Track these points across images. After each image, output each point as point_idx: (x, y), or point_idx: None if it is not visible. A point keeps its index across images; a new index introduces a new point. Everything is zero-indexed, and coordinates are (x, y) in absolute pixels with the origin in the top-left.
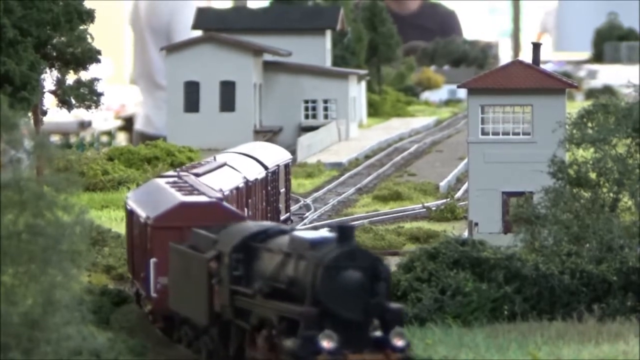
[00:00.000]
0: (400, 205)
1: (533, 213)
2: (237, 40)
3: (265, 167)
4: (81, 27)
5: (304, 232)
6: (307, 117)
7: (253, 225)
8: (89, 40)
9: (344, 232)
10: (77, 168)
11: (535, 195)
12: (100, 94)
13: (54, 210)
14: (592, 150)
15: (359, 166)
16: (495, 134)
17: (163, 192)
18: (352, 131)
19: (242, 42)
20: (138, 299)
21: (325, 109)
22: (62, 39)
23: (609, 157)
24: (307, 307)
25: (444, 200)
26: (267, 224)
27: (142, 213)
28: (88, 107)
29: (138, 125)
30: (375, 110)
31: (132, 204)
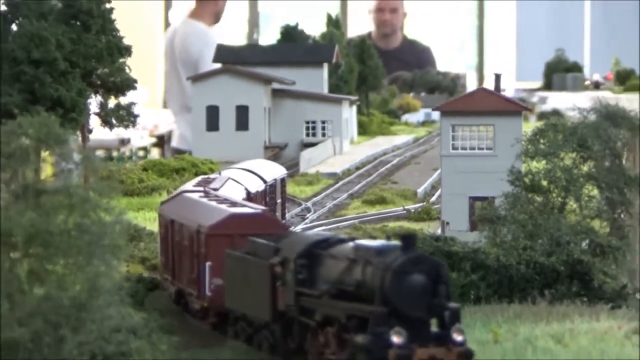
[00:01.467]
0: (385, 208)
1: (495, 214)
2: (250, 72)
3: (264, 181)
4: (120, 60)
5: (365, 241)
6: (307, 135)
7: (313, 235)
8: (127, 71)
9: (408, 240)
10: (117, 177)
11: (496, 199)
12: (137, 116)
13: (97, 211)
14: (543, 162)
15: (351, 175)
16: (464, 148)
17: (209, 205)
18: (345, 147)
19: (254, 73)
20: (178, 297)
21: (323, 128)
22: (105, 70)
23: (557, 168)
24: (377, 307)
25: (421, 204)
26: (326, 234)
27: (191, 223)
28: (126, 127)
29: (174, 143)
30: (364, 129)
31: (171, 215)
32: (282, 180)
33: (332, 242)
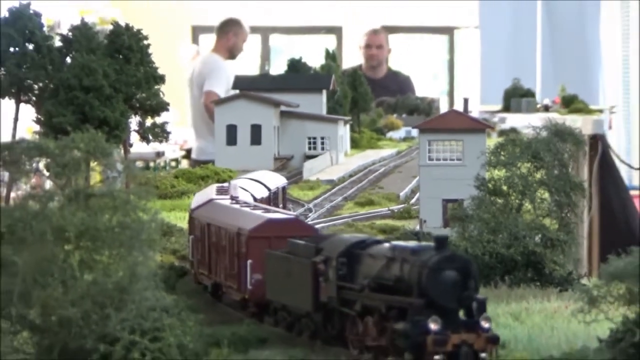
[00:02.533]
0: (373, 209)
1: (463, 213)
2: (262, 97)
3: (269, 189)
4: (156, 87)
5: (401, 242)
6: (309, 148)
7: (351, 237)
8: (161, 95)
9: (440, 241)
10: (153, 183)
11: (465, 201)
12: (169, 133)
13: (136, 211)
14: (504, 170)
15: (345, 182)
16: (438, 159)
17: (244, 211)
18: (340, 158)
19: (266, 97)
20: (215, 289)
21: (322, 143)
22: (143, 95)
23: (515, 176)
24: (415, 299)
25: (403, 205)
26: (362, 236)
27: (231, 227)
28: (160, 142)
29: (193, 155)
30: (355, 144)
31: (207, 220)
32: (283, 188)
33: (369, 242)
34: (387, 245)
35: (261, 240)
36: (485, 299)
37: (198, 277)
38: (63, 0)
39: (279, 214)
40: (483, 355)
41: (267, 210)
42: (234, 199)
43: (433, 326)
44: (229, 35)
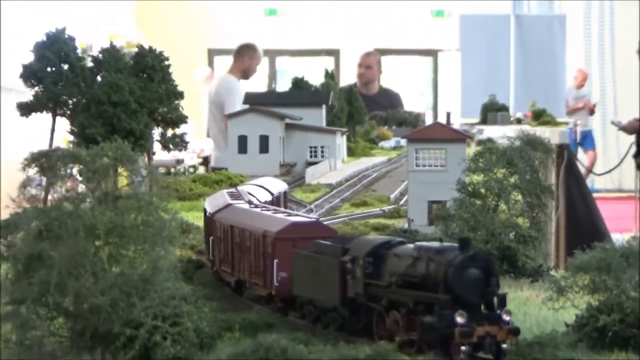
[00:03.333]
0: (367, 209)
1: (446, 213)
2: (269, 111)
3: (272, 194)
4: (175, 102)
5: (425, 243)
6: (311, 156)
7: (375, 238)
8: (180, 109)
9: (464, 242)
10: (173, 187)
11: (447, 202)
12: (187, 142)
13: (158, 211)
14: (482, 175)
15: (342, 185)
16: (424, 166)
17: (267, 215)
18: (338, 165)
19: (272, 111)
20: (237, 285)
21: (322, 151)
22: (164, 109)
23: (492, 180)
24: (441, 294)
25: (393, 206)
26: (386, 237)
27: (256, 229)
28: (180, 150)
29: (212, 163)
30: (351, 152)
31: (230, 222)
32: (285, 193)
33: (393, 243)
34: (411, 245)
35: (286, 242)
36: (505, 294)
37: (221, 274)
38: (94, 25)
39: (300, 217)
40: (504, 345)
41: (289, 214)
42: (251, 203)
43: (459, 319)
44: (244, 59)
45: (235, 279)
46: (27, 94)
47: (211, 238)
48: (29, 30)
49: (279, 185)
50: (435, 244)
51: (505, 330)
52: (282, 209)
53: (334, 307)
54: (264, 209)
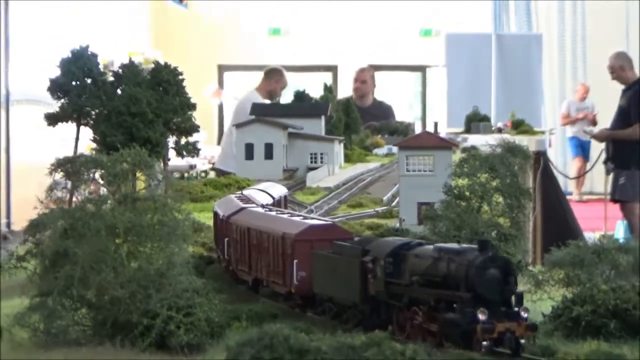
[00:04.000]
0: (362, 210)
1: (434, 214)
2: (274, 121)
3: (273, 197)
4: (189, 113)
5: (443, 244)
6: (311, 162)
7: (396, 240)
8: (193, 120)
9: (483, 244)
10: (186, 189)
11: (435, 204)
12: (199, 150)
13: (173, 212)
14: (466, 180)
15: (340, 189)
16: (414, 170)
17: (284, 218)
18: (336, 170)
19: (276, 121)
20: (254, 283)
21: (321, 158)
22: (178, 119)
23: (475, 184)
24: (463, 293)
25: (386, 207)
26: (406, 239)
27: (275, 232)
28: (192, 157)
29: (217, 165)
30: (348, 158)
31: (247, 225)
32: (285, 197)
33: (412, 245)
34: (431, 247)
35: (305, 243)
36: (522, 293)
37: (237, 273)
38: (115, 43)
39: (317, 220)
40: (522, 341)
41: (305, 217)
42: (265, 207)
43: (481, 316)
44: (272, 81)
45: (252, 277)
46: (54, 106)
47: (226, 239)
48: (55, 48)
49: (279, 190)
50: (455, 245)
51: (524, 326)
52: (297, 213)
53: (354, 304)
54: (278, 212)
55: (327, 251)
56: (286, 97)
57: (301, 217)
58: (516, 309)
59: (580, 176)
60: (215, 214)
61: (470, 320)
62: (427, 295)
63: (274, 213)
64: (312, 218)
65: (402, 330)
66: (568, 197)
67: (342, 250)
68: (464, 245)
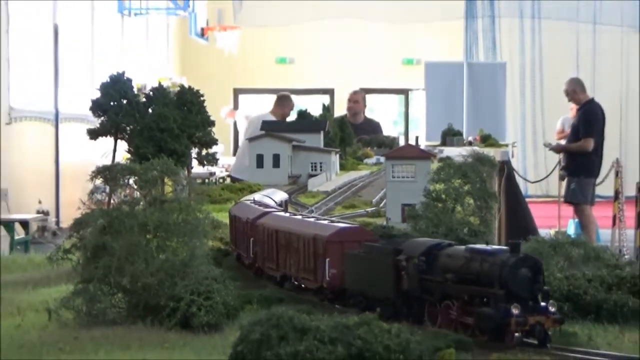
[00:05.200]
0: (354, 210)
1: (416, 213)
2: (280, 135)
3: (275, 202)
4: (209, 129)
5: (474, 245)
6: (312, 170)
7: (427, 240)
8: (212, 134)
9: (514, 246)
10: (207, 193)
11: (416, 205)
12: (218, 159)
13: (195, 212)
14: (442, 185)
15: (336, 192)
16: (398, 177)
17: (316, 222)
18: (332, 177)
19: (283, 136)
20: (282, 279)
21: (321, 166)
22: (200, 134)
23: (450, 188)
24: (497, 290)
25: (375, 208)
26: (437, 240)
27: (306, 234)
28: (212, 166)
29: (232, 173)
30: (342, 167)
31: (275, 227)
32: (286, 201)
33: (443, 245)
34: (462, 247)
35: (336, 244)
36: (548, 290)
37: (264, 269)
38: (146, 69)
39: (343, 224)
40: (550, 333)
41: (332, 221)
42: (289, 212)
43: (515, 311)
44: (283, 106)
45: (280, 273)
46: (95, 123)
47: (252, 239)
48: (97, 74)
49: (281, 195)
50: (486, 247)
51: (552, 319)
52: (322, 217)
53: (387, 298)
54: (304, 216)
55: (359, 251)
56: (291, 116)
57: (328, 221)
58: (543, 304)
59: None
60: (235, 218)
61: (504, 314)
62: (461, 292)
63: (299, 217)
64: (339, 222)
65: (434, 322)
66: (527, 199)
67: (374, 250)
68: (494, 247)
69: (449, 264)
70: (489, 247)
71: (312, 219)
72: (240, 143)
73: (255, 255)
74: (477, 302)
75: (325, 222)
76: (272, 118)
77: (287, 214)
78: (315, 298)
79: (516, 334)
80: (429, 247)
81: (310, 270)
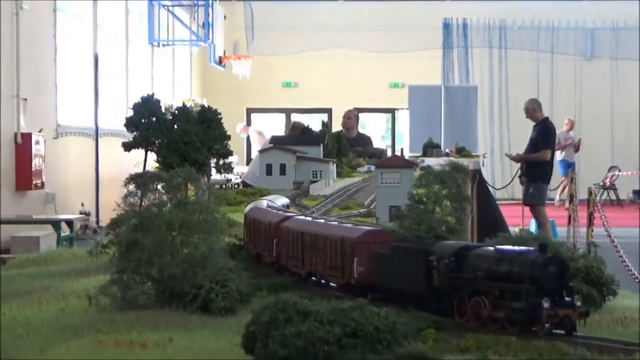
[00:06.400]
0: (349, 211)
1: (401, 214)
2: (286, 147)
3: (278, 205)
4: (225, 142)
5: (502, 247)
6: (313, 177)
7: (456, 242)
8: (228, 147)
9: (543, 246)
10: (224, 197)
11: (402, 207)
12: (233, 168)
13: (213, 213)
14: (424, 189)
15: (333, 196)
16: (386, 183)
17: (341, 225)
18: (330, 183)
19: (288, 148)
20: (307, 276)
21: (320, 174)
22: (218, 146)
23: (430, 192)
24: (528, 285)
25: (366, 209)
26: (464, 242)
27: (333, 236)
28: (228, 173)
29: (244, 179)
30: (339, 175)
31: (300, 230)
32: (287, 205)
33: (472, 246)
34: (490, 248)
35: (363, 245)
36: (572, 287)
37: (289, 267)
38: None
39: (367, 227)
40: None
41: (355, 224)
42: (310, 216)
43: (546, 304)
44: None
45: (306, 271)
46: (129, 137)
47: (275, 240)
48: (130, 96)
49: (283, 201)
50: (514, 247)
51: (577, 312)
52: (342, 220)
53: (418, 294)
54: (327, 220)
55: (389, 251)
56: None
57: (351, 224)
58: (568, 298)
59: (564, 187)
60: (254, 221)
61: (535, 307)
62: (492, 288)
63: (322, 221)
64: (362, 225)
65: (462, 316)
66: (497, 201)
67: (405, 250)
68: (522, 248)
69: (479, 263)
70: (517, 248)
71: (335, 223)
72: (252, 155)
73: (278, 255)
74: (508, 298)
75: (349, 225)
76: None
77: (309, 218)
78: (340, 293)
79: (546, 325)
80: (458, 249)
81: (337, 268)
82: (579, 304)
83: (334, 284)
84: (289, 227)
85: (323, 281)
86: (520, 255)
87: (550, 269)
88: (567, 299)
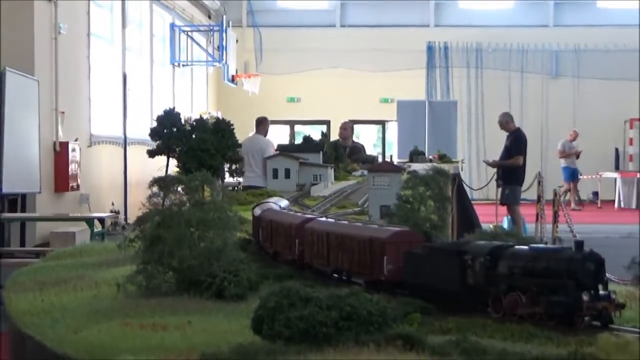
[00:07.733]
0: (345, 210)
1: (390, 212)
2: (290, 154)
3: (279, 206)
4: (237, 149)
5: (537, 245)
6: (314, 180)
7: (489, 242)
8: (240, 153)
9: (579, 244)
10: (235, 197)
11: (391, 206)
12: (244, 172)
13: (226, 211)
14: (410, 191)
15: (331, 196)
16: (378, 185)
17: (367, 226)
18: (329, 185)
19: (292, 155)
20: (333, 271)
21: (320, 177)
22: (230, 153)
23: (416, 193)
24: (566, 280)
25: (360, 208)
26: (497, 242)
27: (361, 236)
28: (239, 176)
29: (243, 183)
30: (336, 178)
31: (325, 230)
32: (288, 207)
33: (505, 246)
34: (525, 247)
35: (392, 244)
36: (607, 281)
37: (314, 264)
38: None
39: (393, 227)
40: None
41: (382, 225)
42: (332, 218)
43: (585, 297)
44: (264, 125)
45: (332, 268)
46: (153, 145)
47: (297, 240)
48: (154, 109)
49: (284, 203)
50: (548, 246)
51: (614, 305)
52: (364, 222)
53: (452, 291)
54: (352, 222)
55: (421, 250)
56: (298, 140)
57: (377, 225)
58: (604, 292)
59: (568, 191)
60: (272, 222)
61: (575, 300)
62: (529, 284)
63: (346, 222)
64: (388, 225)
65: (497, 311)
66: (473, 202)
67: (438, 250)
68: (556, 246)
69: (515, 261)
70: (551, 246)
71: (359, 224)
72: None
73: (301, 253)
74: (545, 293)
75: (375, 226)
76: (263, 137)
77: (332, 220)
78: (368, 288)
79: (586, 318)
80: (493, 248)
81: (366, 266)
82: (614, 296)
83: (358, 280)
84: (313, 228)
85: (344, 277)
86: (557, 253)
87: (587, 265)
88: (603, 292)
